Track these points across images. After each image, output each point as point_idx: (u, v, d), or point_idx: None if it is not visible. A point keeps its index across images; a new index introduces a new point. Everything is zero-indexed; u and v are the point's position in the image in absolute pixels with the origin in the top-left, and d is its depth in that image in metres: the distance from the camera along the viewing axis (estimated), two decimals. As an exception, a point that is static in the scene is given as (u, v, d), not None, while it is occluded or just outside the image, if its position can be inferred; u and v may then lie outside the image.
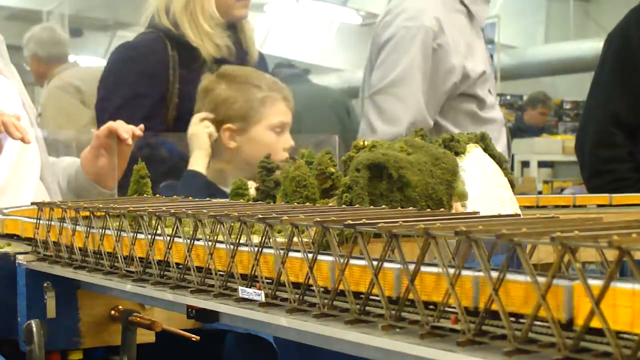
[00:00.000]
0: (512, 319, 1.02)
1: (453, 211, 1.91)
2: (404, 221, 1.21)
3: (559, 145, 11.96)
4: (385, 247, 1.17)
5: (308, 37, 19.12)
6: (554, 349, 0.97)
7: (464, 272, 1.07)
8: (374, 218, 1.27)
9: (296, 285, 1.28)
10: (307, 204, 2.00)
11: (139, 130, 3.01)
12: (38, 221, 1.93)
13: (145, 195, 2.35)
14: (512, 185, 2.12)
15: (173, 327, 1.92)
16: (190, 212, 1.49)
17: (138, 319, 1.87)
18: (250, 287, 1.35)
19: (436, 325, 1.09)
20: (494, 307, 1.03)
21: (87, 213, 1.79)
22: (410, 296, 1.12)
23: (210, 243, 1.43)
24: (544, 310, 0.98)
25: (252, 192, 2.38)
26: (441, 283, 1.10)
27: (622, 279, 0.93)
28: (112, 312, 1.95)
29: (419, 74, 3.78)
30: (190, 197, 2.12)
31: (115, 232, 1.67)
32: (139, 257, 1.61)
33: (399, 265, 1.15)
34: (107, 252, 1.70)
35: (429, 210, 1.76)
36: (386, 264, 1.17)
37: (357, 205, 1.79)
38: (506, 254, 1.05)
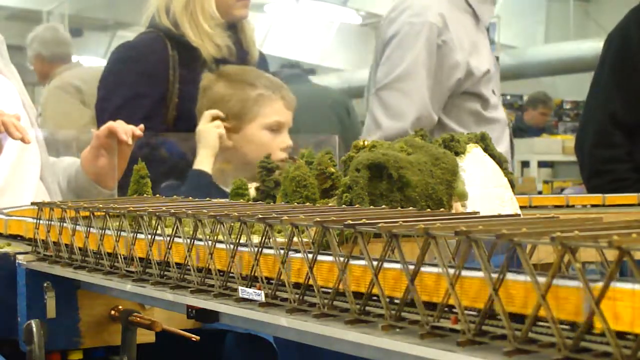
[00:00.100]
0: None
1: (453, 211, 1.91)
2: (404, 221, 1.21)
3: (559, 145, 11.97)
4: (385, 247, 1.17)
5: (308, 37, 19.11)
6: (554, 349, 0.97)
7: (464, 272, 1.07)
8: (374, 218, 1.27)
9: (296, 285, 1.28)
10: (307, 204, 2.00)
11: (139, 130, 3.01)
12: (38, 221, 1.93)
13: (145, 195, 2.35)
14: (512, 185, 2.12)
15: (173, 327, 1.92)
16: (190, 212, 1.50)
17: (138, 319, 1.86)
18: (250, 287, 1.35)
19: (436, 325, 1.09)
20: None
21: (87, 213, 1.79)
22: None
23: (210, 243, 1.43)
24: (544, 310, 0.98)
25: (252, 192, 2.38)
26: (441, 283, 1.10)
27: (622, 279, 0.93)
28: (112, 312, 1.95)
29: (423, 69, 3.79)
30: (190, 197, 2.12)
31: (115, 232, 1.67)
32: (139, 257, 1.61)
33: (399, 265, 1.15)
34: (107, 252, 1.70)
35: (429, 210, 1.76)
36: (386, 264, 1.17)
37: (357, 205, 1.79)
38: (506, 254, 1.05)
